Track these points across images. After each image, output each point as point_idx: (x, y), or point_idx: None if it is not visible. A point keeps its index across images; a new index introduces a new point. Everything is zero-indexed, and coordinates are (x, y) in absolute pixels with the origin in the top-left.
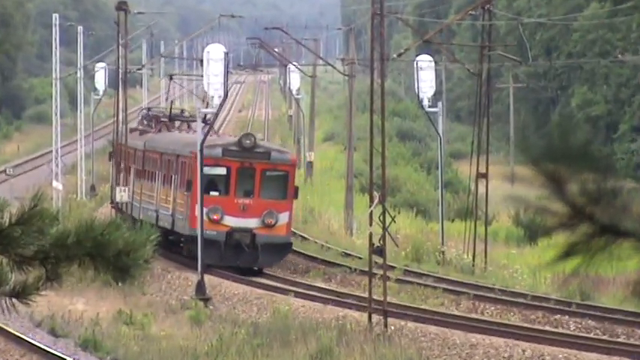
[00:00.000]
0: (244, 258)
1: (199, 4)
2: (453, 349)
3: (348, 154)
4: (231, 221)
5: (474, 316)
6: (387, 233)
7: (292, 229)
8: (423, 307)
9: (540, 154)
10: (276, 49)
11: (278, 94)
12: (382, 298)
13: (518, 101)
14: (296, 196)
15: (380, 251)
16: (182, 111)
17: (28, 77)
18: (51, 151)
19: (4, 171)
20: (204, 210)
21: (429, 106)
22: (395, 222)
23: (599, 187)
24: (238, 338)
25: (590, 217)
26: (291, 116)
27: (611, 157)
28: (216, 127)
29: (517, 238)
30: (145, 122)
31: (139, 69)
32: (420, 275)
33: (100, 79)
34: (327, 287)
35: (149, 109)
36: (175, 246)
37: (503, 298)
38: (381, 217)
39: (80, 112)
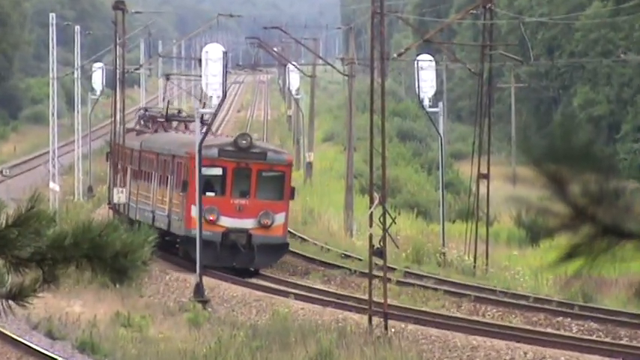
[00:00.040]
0: (240, 259)
1: (198, 4)
2: (454, 351)
3: (348, 155)
4: (227, 222)
5: (475, 318)
6: (387, 234)
7: (291, 231)
8: (423, 309)
9: (542, 155)
10: (275, 49)
11: (277, 94)
12: (382, 300)
13: (520, 101)
14: (292, 196)
15: (380, 253)
16: (179, 111)
17: (25, 77)
18: (48, 152)
19: (1, 172)
20: (198, 210)
21: (430, 106)
22: (395, 223)
23: (601, 188)
24: (237, 341)
25: (593, 218)
26: (290, 116)
27: (613, 158)
28: (214, 127)
29: (519, 239)
30: (142, 122)
31: (136, 69)
32: (421, 277)
33: (98, 79)
34: (326, 289)
35: (146, 109)
36: (171, 247)
37: (505, 300)
38: (382, 218)
39: (77, 112)
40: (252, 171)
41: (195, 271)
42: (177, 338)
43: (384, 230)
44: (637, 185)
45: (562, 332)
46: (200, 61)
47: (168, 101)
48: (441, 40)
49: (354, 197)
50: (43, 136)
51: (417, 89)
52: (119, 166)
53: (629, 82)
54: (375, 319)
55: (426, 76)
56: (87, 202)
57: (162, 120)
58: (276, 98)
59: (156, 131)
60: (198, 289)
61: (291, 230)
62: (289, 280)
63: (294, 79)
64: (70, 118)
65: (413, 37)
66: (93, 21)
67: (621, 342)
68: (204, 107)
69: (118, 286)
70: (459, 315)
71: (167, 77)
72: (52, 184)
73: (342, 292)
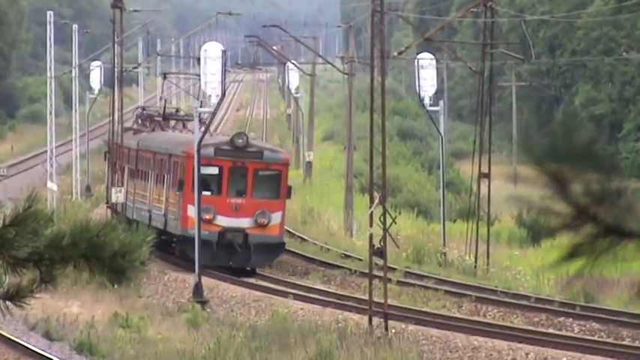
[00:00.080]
0: (237, 258)
1: (196, 2)
2: (454, 352)
3: (348, 154)
4: (223, 221)
5: (476, 318)
6: (387, 234)
7: (291, 230)
8: (424, 309)
9: (543, 154)
10: (274, 47)
11: (276, 92)
12: (383, 301)
13: (521, 100)
14: (289, 195)
15: (380, 252)
16: (177, 110)
17: (22, 76)
18: (45, 151)
19: None
20: (196, 210)
21: (430, 105)
22: (396, 223)
23: (603, 187)
24: (236, 341)
25: (595, 218)
26: (289, 115)
27: (615, 157)
28: (213, 126)
29: (520, 239)
30: (140, 121)
31: (134, 67)
32: (422, 277)
33: (96, 78)
34: (326, 289)
35: (144, 108)
36: (168, 246)
37: (506, 300)
38: (382, 218)
39: (75, 111)
40: (248, 170)
41: (193, 271)
42: (176, 339)
43: (385, 230)
44: (639, 184)
45: (564, 333)
46: (199, 59)
47: (165, 100)
48: (442, 38)
49: (354, 197)
50: (40, 136)
51: (417, 88)
52: (117, 166)
53: (631, 80)
54: (376, 320)
55: (427, 74)
56: (85, 202)
57: (160, 119)
58: (276, 97)
59: (153, 130)
60: (197, 289)
61: (291, 230)
62: (289, 280)
63: (294, 78)
64: (68, 117)
65: (413, 36)
66: (91, 19)
67: (623, 342)
68: (201, 106)
69: (116, 286)
70: (459, 315)
71: (164, 76)
72: (49, 184)
73: (342, 293)
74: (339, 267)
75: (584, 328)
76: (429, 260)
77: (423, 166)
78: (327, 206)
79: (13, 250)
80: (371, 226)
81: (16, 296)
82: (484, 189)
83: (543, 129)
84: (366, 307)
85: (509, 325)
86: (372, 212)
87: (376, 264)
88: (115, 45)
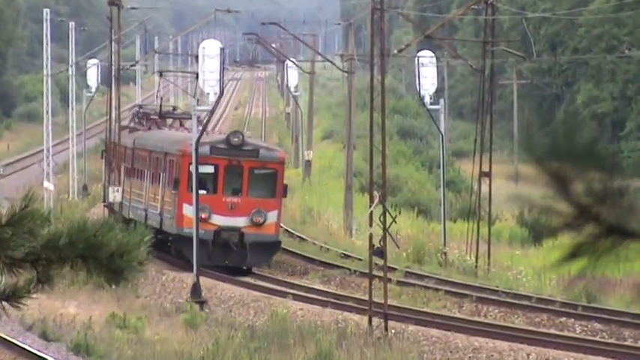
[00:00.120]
0: (232, 257)
1: None
2: (455, 352)
3: (348, 153)
4: (219, 220)
5: (476, 319)
6: (387, 234)
7: (290, 230)
8: (424, 309)
9: (545, 153)
10: (273, 45)
11: (275, 91)
12: (383, 301)
13: (522, 98)
14: (285, 194)
15: (380, 252)
16: (174, 108)
17: (19, 74)
18: (42, 150)
19: None
20: (192, 209)
21: (431, 104)
22: (396, 222)
23: (605, 187)
24: (235, 342)
25: (596, 218)
26: (288, 114)
27: (617, 156)
28: (211, 125)
29: (521, 238)
30: (137, 120)
31: (132, 65)
32: (422, 277)
33: (93, 76)
34: (326, 289)
35: (140, 106)
36: (163, 245)
37: (507, 300)
38: (382, 218)
39: (72, 109)
40: (244, 168)
41: (191, 271)
42: (174, 339)
43: (385, 229)
44: None
45: (565, 333)
46: (197, 57)
47: (162, 98)
48: (442, 36)
49: (353, 196)
50: (37, 134)
51: (417, 86)
52: (114, 165)
53: (634, 78)
54: (375, 320)
55: (427, 72)
56: (82, 201)
57: (156, 117)
58: (275, 95)
59: (149, 129)
60: (195, 289)
61: (290, 230)
62: (288, 280)
63: (293, 76)
64: (65, 116)
65: (413, 33)
66: (88, 17)
67: (625, 343)
68: (199, 104)
69: (113, 286)
70: (460, 316)
71: (160, 74)
72: (46, 183)
73: (341, 293)
74: (338, 267)
75: (585, 329)
76: (429, 260)
77: (423, 165)
78: (327, 206)
79: (9, 250)
80: (371, 225)
81: (12, 297)
82: (485, 188)
83: (545, 127)
84: (366, 308)
85: (510, 325)
86: (371, 212)
87: (376, 264)
88: (112, 43)
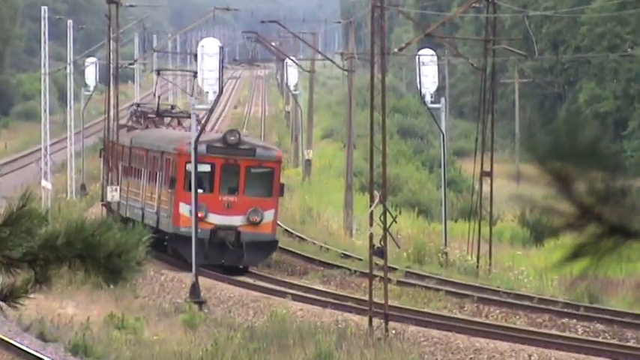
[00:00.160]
0: (229, 256)
1: None
2: (456, 353)
3: (348, 152)
4: (215, 219)
5: (478, 319)
6: (388, 234)
7: (290, 230)
8: (425, 310)
9: (547, 152)
10: (273, 44)
11: (275, 89)
12: (383, 301)
13: (524, 97)
14: (282, 193)
15: (381, 252)
16: (172, 107)
17: (16, 72)
18: (40, 149)
19: None
20: (188, 208)
21: (432, 102)
22: (396, 222)
23: (607, 186)
24: (234, 343)
25: (599, 217)
26: (288, 113)
27: (620, 155)
28: (210, 124)
29: (523, 238)
30: (134, 119)
31: (130, 64)
32: (422, 277)
33: (91, 75)
34: (325, 290)
35: (138, 104)
36: (160, 244)
37: (509, 300)
38: (382, 217)
39: (70, 108)
40: (240, 167)
41: (190, 271)
42: (173, 340)
43: (385, 229)
44: None
45: (567, 334)
46: (196, 55)
47: (159, 97)
48: (443, 34)
49: (353, 196)
50: (34, 133)
51: (418, 85)
52: (111, 163)
53: (636, 77)
54: (376, 321)
55: (428, 71)
56: (80, 201)
57: (154, 116)
58: (274, 94)
59: (147, 127)
60: (194, 289)
61: (290, 229)
62: (287, 280)
63: (293, 75)
64: (63, 115)
65: (414, 32)
66: (86, 15)
67: (628, 344)
68: (197, 102)
69: (111, 286)
70: (461, 316)
71: (158, 73)
72: (44, 182)
73: (341, 293)
74: (338, 267)
75: (588, 329)
76: (430, 260)
77: (424, 165)
78: (327, 205)
79: (7, 249)
80: (371, 225)
81: (9, 297)
82: (486, 188)
83: (546, 127)
84: (366, 308)
85: (511, 326)
86: (372, 211)
87: (376, 264)
88: (111, 41)
